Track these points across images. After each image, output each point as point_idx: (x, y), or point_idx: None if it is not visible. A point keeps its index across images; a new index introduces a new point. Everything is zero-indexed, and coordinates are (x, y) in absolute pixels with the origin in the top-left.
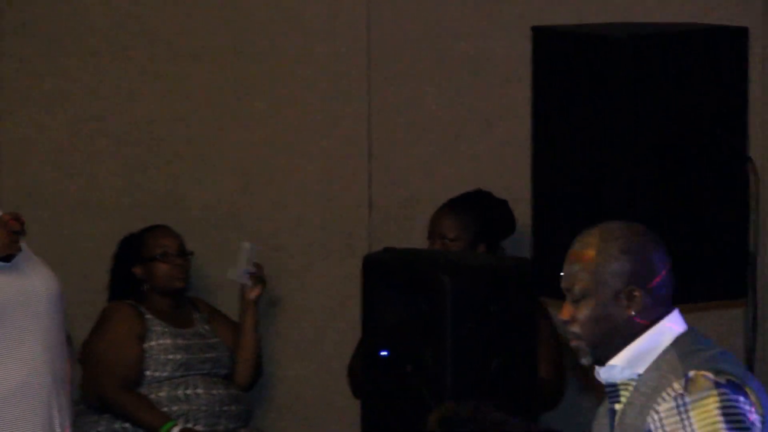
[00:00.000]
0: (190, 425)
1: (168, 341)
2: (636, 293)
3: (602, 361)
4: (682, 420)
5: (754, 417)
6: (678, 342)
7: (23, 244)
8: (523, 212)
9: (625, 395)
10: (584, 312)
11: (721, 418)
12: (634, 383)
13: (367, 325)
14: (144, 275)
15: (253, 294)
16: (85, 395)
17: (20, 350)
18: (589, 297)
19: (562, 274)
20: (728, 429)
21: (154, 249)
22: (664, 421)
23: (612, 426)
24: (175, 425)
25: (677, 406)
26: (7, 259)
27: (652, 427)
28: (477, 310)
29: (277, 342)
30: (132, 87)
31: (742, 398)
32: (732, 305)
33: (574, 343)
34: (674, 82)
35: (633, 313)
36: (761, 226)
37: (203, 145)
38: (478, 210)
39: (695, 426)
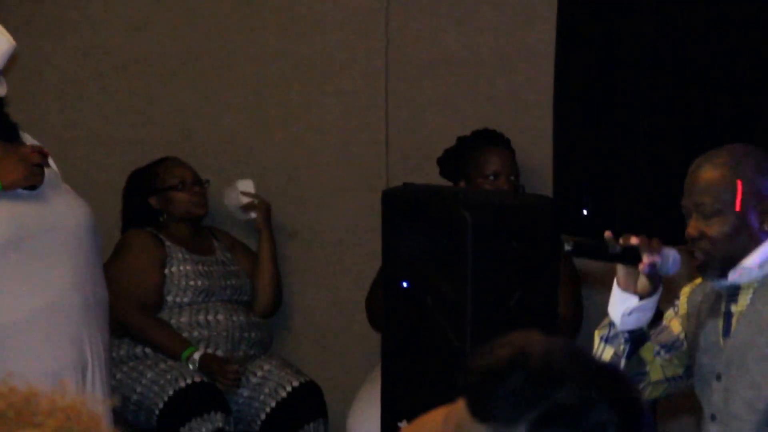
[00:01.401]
0: (210, 350)
1: (189, 267)
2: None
3: (726, 273)
4: None
5: None
6: None
7: (53, 174)
8: (543, 152)
9: (743, 296)
10: (717, 228)
11: None
12: (756, 284)
13: (387, 256)
14: (161, 205)
15: (258, 223)
16: None
17: (46, 274)
18: (722, 214)
19: (584, 212)
20: None
21: (169, 179)
22: None
23: (727, 327)
24: (195, 350)
25: None
26: (32, 189)
27: None
28: (498, 246)
29: (296, 272)
30: (142, 18)
31: None
32: None
33: (701, 259)
34: (699, 28)
35: (767, 228)
36: None
37: (215, 79)
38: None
39: None
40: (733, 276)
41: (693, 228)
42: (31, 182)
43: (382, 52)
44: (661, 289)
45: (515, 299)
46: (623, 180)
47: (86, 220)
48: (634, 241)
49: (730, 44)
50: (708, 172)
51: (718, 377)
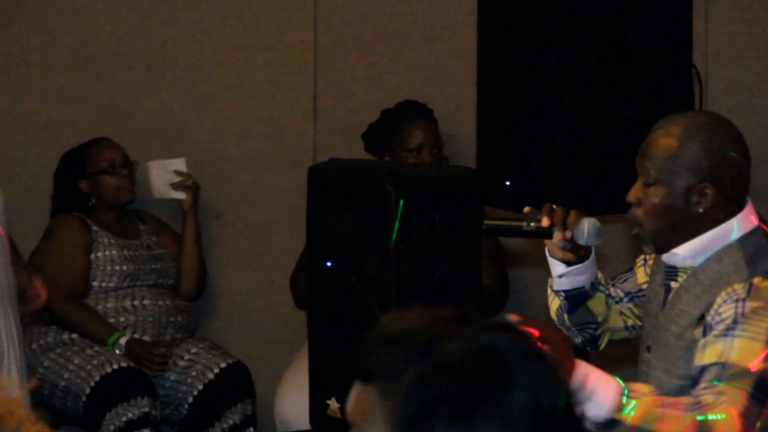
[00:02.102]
0: (137, 335)
1: (114, 252)
2: (708, 190)
3: (663, 250)
4: (734, 325)
5: None
6: (745, 240)
7: None
8: (467, 122)
9: (682, 276)
10: (652, 199)
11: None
12: (692, 268)
13: (312, 235)
14: (91, 189)
15: (185, 203)
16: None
17: None
18: (660, 185)
19: (507, 183)
20: None
21: (98, 162)
22: (719, 318)
23: (665, 300)
24: (122, 336)
25: (735, 309)
26: None
27: (708, 318)
28: (422, 220)
29: (222, 253)
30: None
31: None
32: None
33: (635, 231)
34: None
35: (701, 210)
36: None
37: (150, 57)
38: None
39: (744, 333)
40: (667, 258)
41: (633, 193)
42: None
43: (311, 25)
44: (593, 253)
45: (439, 275)
46: (546, 150)
47: None
48: (545, 223)
49: (651, 6)
50: (659, 138)
51: (648, 349)
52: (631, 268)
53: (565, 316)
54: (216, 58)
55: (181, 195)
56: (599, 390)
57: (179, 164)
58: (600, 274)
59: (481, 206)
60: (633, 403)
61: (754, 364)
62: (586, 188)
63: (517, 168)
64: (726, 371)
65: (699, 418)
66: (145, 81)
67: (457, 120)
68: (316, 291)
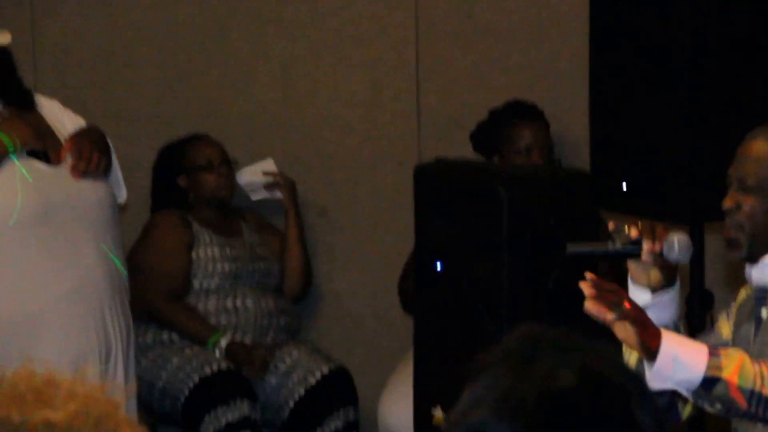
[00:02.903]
0: (237, 337)
1: (216, 251)
2: None
3: (755, 257)
4: None
5: None
6: None
7: None
8: (578, 124)
9: None
10: (754, 203)
11: None
12: None
13: (420, 237)
14: (189, 186)
15: (284, 201)
16: (131, 305)
17: (73, 251)
18: (764, 191)
19: (624, 186)
20: None
21: (197, 159)
22: None
23: (757, 330)
24: (222, 337)
25: None
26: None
27: None
28: (535, 223)
29: (326, 254)
30: None
31: None
32: None
33: (732, 234)
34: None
35: None
36: None
37: (244, 53)
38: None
39: None
40: (757, 271)
41: (730, 199)
42: (38, 146)
43: (412, 22)
44: (678, 281)
45: (553, 280)
46: (662, 153)
47: (106, 196)
48: (633, 234)
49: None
50: (759, 145)
51: None
52: (712, 326)
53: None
54: (312, 55)
55: (277, 194)
56: (686, 352)
57: (267, 165)
58: (681, 324)
59: (596, 209)
60: (722, 358)
61: None
62: (704, 191)
63: (634, 171)
64: None
65: None
66: (239, 77)
67: (569, 122)
68: (424, 295)
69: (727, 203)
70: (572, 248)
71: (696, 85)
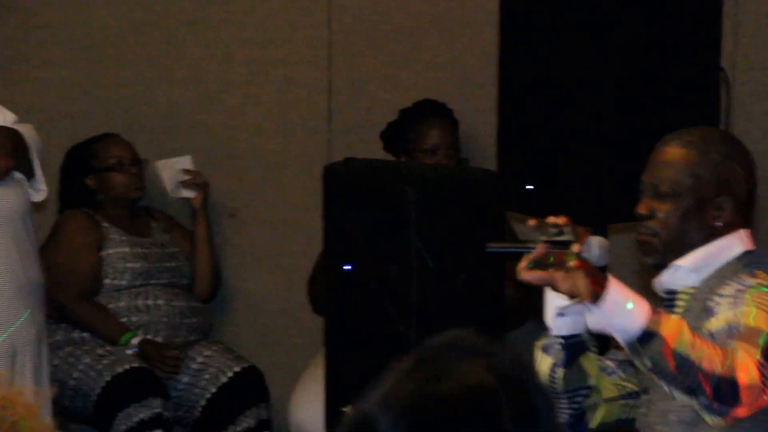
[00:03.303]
0: (149, 336)
1: (126, 249)
2: (726, 204)
3: (668, 264)
4: (740, 296)
5: None
6: (743, 258)
7: None
8: (487, 123)
9: (681, 305)
10: (669, 210)
11: None
12: (693, 291)
13: (329, 237)
14: (98, 185)
15: (195, 202)
16: None
17: None
18: (678, 197)
19: (529, 187)
20: None
21: (107, 159)
22: (721, 299)
23: None
24: (134, 336)
25: (738, 286)
26: None
27: (710, 304)
28: (442, 223)
29: (236, 254)
30: None
31: None
32: None
33: (645, 240)
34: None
35: (719, 224)
36: None
37: (158, 53)
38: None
39: (750, 302)
40: (668, 275)
41: (645, 205)
42: None
43: (325, 22)
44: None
45: (461, 281)
46: (568, 154)
47: (18, 204)
48: (561, 221)
49: (679, 9)
50: (674, 150)
51: (645, 390)
52: None
53: (560, 373)
54: (225, 54)
55: (190, 193)
56: (631, 302)
57: (186, 162)
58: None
59: (502, 210)
60: (663, 316)
61: (765, 328)
62: (611, 192)
63: (539, 171)
64: (736, 332)
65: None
66: (151, 76)
67: (477, 121)
68: (334, 295)
69: (641, 210)
70: (492, 247)
71: (602, 86)
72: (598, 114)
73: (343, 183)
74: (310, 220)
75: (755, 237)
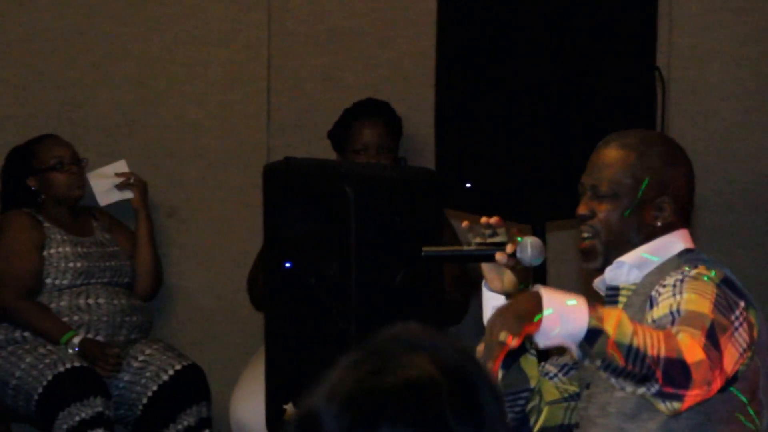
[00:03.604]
0: (91, 335)
1: (68, 249)
2: (666, 205)
3: (610, 263)
4: (681, 285)
5: (743, 330)
6: (684, 255)
7: None
8: (425, 123)
9: (622, 300)
10: (609, 210)
11: (712, 297)
12: (634, 287)
13: (269, 236)
14: (39, 186)
15: (134, 202)
16: None
17: None
18: (618, 198)
19: (468, 185)
20: (715, 309)
21: (47, 159)
22: (663, 289)
23: None
24: (75, 335)
25: (679, 276)
26: None
27: (653, 294)
28: (381, 222)
29: (177, 252)
30: None
31: (742, 303)
32: None
33: (586, 247)
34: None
35: (659, 224)
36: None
37: (99, 54)
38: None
39: (691, 290)
40: (610, 271)
41: (585, 206)
42: None
43: (265, 23)
44: (531, 285)
45: (400, 278)
46: (506, 152)
47: None
48: (494, 220)
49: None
50: (613, 152)
51: (587, 386)
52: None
53: (499, 375)
54: (166, 55)
55: (128, 194)
56: (568, 307)
57: (120, 166)
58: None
59: (441, 208)
60: (601, 311)
61: (706, 312)
62: (550, 188)
63: (477, 169)
64: (678, 317)
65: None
66: (94, 77)
67: (415, 120)
68: (274, 293)
69: (582, 210)
70: (428, 251)
71: (539, 85)
72: (535, 113)
73: (283, 182)
74: (249, 219)
75: (693, 235)
